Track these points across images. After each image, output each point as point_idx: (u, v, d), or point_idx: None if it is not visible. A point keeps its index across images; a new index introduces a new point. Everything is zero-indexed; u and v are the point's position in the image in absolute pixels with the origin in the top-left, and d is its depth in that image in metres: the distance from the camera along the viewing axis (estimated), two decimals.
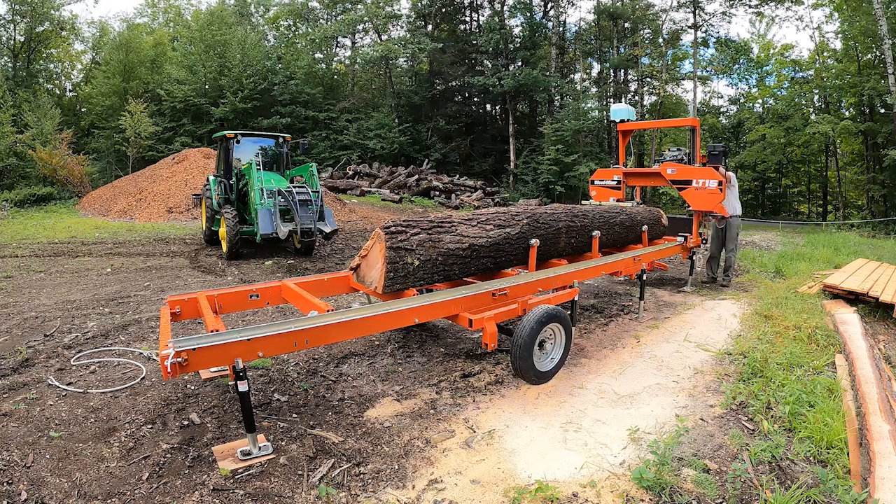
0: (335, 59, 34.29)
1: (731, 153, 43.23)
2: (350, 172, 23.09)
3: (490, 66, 29.39)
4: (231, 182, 9.13)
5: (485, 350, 3.54)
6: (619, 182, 7.34)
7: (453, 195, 21.49)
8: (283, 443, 2.79)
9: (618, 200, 7.32)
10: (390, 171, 23.47)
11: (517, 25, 31.16)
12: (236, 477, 2.47)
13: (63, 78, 31.76)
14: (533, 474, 2.55)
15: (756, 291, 6.73)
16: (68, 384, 3.46)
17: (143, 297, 5.92)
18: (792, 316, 5.23)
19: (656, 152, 33.98)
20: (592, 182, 7.66)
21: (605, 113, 33.86)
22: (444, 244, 3.67)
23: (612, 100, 34.80)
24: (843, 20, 27.48)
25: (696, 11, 31.22)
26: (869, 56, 26.93)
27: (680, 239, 6.52)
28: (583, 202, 7.18)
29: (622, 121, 7.45)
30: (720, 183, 6.22)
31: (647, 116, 35.37)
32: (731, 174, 6.95)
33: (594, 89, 32.73)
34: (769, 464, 2.65)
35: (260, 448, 2.64)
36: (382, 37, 31.44)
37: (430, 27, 30.59)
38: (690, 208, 6.61)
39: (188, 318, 3.52)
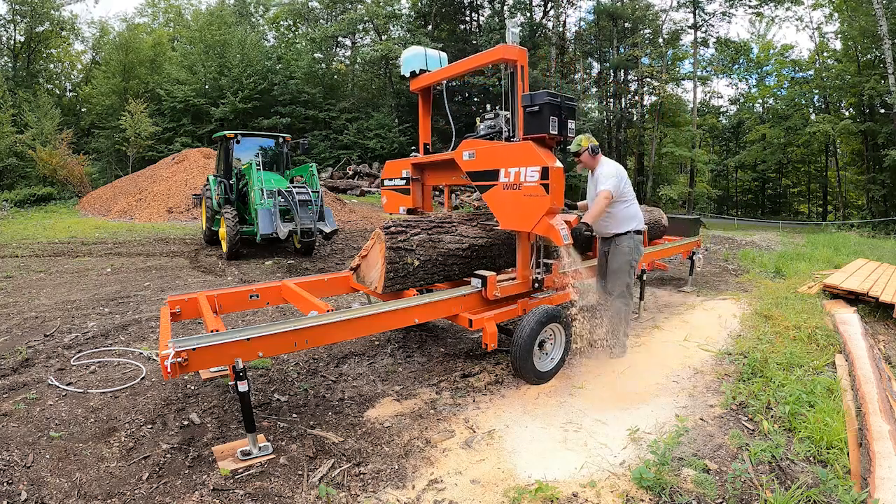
0: (335, 58, 34.32)
1: (730, 152, 42.55)
2: (350, 172, 23.11)
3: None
4: (231, 182, 9.14)
5: (485, 350, 3.54)
6: (408, 181, 4.51)
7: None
8: (283, 443, 2.79)
9: (410, 210, 4.48)
10: None
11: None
12: (236, 477, 2.47)
13: (63, 78, 31.82)
14: (533, 474, 2.55)
15: (756, 291, 6.72)
16: (68, 384, 3.46)
17: (143, 297, 5.92)
18: (792, 316, 5.23)
19: (656, 152, 33.43)
20: (382, 183, 4.90)
21: (605, 113, 33.65)
22: (444, 244, 3.67)
23: (612, 100, 34.47)
24: (843, 20, 27.52)
25: (696, 11, 31.25)
26: (869, 56, 26.97)
27: (476, 283, 3.62)
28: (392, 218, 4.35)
29: (413, 73, 4.44)
30: (545, 172, 3.18)
31: (646, 116, 35.02)
32: (612, 166, 3.93)
33: (594, 89, 32.66)
34: (769, 464, 2.65)
35: (260, 448, 2.64)
36: (382, 37, 31.45)
37: (430, 27, 30.61)
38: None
39: (188, 318, 3.53)
